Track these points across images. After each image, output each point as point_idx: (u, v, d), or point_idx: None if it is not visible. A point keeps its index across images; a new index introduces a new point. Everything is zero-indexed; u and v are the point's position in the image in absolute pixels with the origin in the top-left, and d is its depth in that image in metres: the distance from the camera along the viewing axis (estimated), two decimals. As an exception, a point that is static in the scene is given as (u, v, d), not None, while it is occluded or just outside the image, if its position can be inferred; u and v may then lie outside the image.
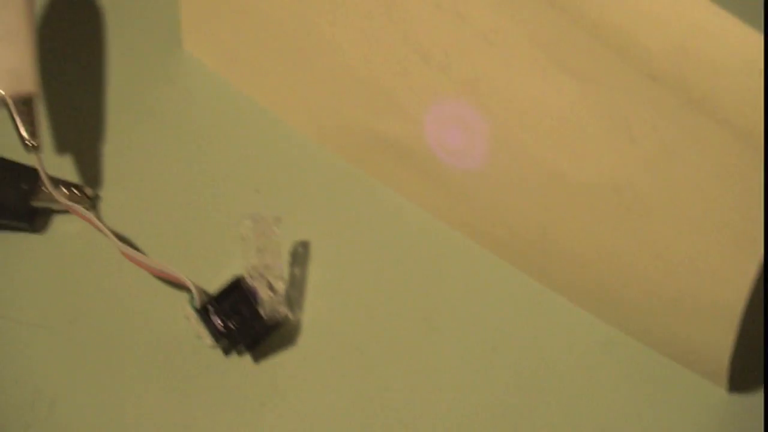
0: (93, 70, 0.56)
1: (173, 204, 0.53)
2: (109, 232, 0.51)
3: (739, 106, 0.41)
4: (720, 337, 0.47)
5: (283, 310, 0.50)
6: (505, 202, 0.50)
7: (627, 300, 0.49)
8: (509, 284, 0.52)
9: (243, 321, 0.49)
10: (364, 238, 0.53)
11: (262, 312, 0.49)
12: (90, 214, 0.51)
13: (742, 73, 0.41)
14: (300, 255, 0.52)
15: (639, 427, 0.49)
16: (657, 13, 0.42)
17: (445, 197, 0.52)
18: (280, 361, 0.51)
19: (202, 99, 0.55)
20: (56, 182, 0.52)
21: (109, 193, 0.53)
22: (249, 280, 0.50)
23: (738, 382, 0.49)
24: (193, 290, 0.49)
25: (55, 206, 0.52)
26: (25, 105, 0.50)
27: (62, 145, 0.54)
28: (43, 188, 0.51)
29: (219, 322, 0.49)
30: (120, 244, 0.51)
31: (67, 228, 0.53)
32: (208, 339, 0.50)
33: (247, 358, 0.51)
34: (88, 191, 0.53)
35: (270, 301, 0.50)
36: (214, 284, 0.51)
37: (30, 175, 0.52)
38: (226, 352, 0.50)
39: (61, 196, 0.52)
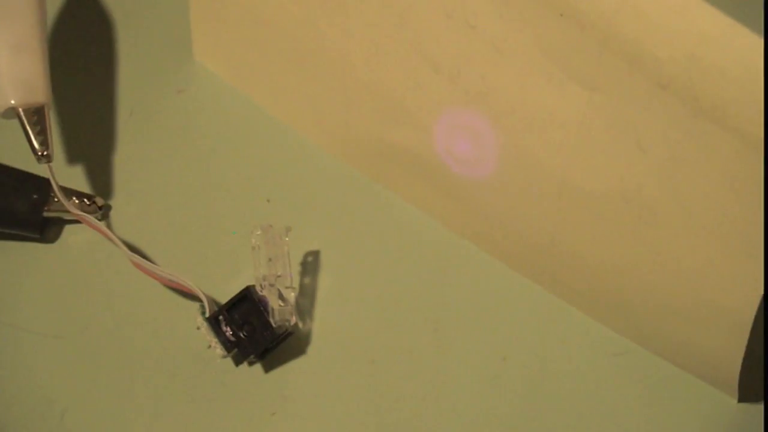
0: (104, 81, 0.56)
1: (183, 214, 0.53)
2: (119, 242, 0.51)
3: (749, 114, 0.41)
4: (730, 346, 0.47)
5: (294, 319, 0.50)
6: (515, 211, 0.50)
7: (637, 309, 0.49)
8: (519, 293, 0.52)
9: (253, 331, 0.49)
10: (374, 248, 0.53)
11: (272, 322, 0.49)
12: (101, 224, 0.52)
13: (751, 81, 0.41)
14: (310, 264, 0.52)
15: (650, 437, 0.49)
16: (666, 23, 0.42)
17: (454, 206, 0.52)
18: (291, 371, 0.50)
19: (213, 109, 0.56)
20: (67, 192, 0.52)
21: (119, 203, 0.54)
22: (259, 290, 0.50)
23: (748, 391, 0.49)
24: (204, 300, 0.49)
25: (66, 216, 0.53)
26: (36, 115, 0.50)
27: (73, 156, 0.55)
28: (54, 198, 0.52)
29: (229, 332, 0.49)
30: (130, 253, 0.51)
31: (78, 238, 0.53)
32: (218, 349, 0.49)
33: (257, 368, 0.51)
34: (99, 201, 0.53)
35: (280, 310, 0.50)
36: (225, 294, 0.50)
37: (41, 185, 0.52)
38: (237, 362, 0.50)
39: (72, 206, 0.52)
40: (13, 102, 0.50)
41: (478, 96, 0.48)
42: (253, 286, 0.50)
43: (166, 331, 0.51)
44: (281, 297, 0.50)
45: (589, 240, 0.49)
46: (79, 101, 0.56)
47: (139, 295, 0.51)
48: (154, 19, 0.57)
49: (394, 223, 0.53)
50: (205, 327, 0.49)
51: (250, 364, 0.51)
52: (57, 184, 0.51)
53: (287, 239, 0.50)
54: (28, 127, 0.50)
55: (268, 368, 0.51)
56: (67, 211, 0.52)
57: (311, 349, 0.51)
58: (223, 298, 0.50)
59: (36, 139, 0.50)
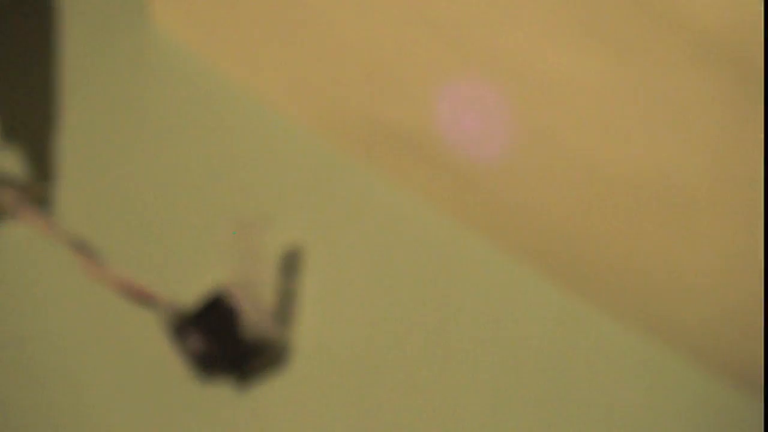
0: (48, 51, 0.55)
1: (140, 203, 0.52)
2: (63, 238, 0.50)
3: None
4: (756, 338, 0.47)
5: (271, 328, 0.49)
6: (530, 198, 0.50)
7: (675, 313, 0.49)
8: (535, 295, 0.51)
9: (224, 342, 0.48)
10: (365, 242, 0.52)
11: (246, 331, 0.48)
12: (41, 217, 0.50)
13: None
14: (291, 263, 0.51)
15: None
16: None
17: (458, 193, 0.52)
18: (267, 390, 0.50)
19: (175, 82, 0.55)
20: (0, 179, 0.51)
21: (65, 192, 0.52)
22: (231, 295, 0.49)
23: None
24: (165, 307, 0.49)
25: (-1, 208, 0.50)
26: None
27: (10, 137, 0.53)
28: (-18, 186, 0.50)
29: (196, 344, 0.48)
30: (75, 251, 0.50)
31: (14, 233, 0.51)
32: (182, 363, 0.49)
33: (228, 386, 0.50)
34: (40, 190, 0.52)
35: (255, 318, 0.48)
36: (190, 299, 0.50)
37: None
38: (204, 378, 0.49)
39: (5, 194, 0.50)
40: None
41: (484, 61, 0.47)
42: (224, 289, 0.49)
43: (122, 343, 0.50)
44: (256, 302, 0.49)
45: (617, 233, 0.48)
46: (16, 73, 0.54)
47: (85, 301, 0.51)
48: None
49: (388, 213, 0.52)
50: (166, 338, 0.49)
51: (220, 380, 0.49)
52: (-13, 169, 0.49)
53: (264, 233, 0.50)
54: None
55: (240, 386, 0.50)
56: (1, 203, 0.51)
57: (292, 364, 0.50)
58: (189, 305, 0.50)
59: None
